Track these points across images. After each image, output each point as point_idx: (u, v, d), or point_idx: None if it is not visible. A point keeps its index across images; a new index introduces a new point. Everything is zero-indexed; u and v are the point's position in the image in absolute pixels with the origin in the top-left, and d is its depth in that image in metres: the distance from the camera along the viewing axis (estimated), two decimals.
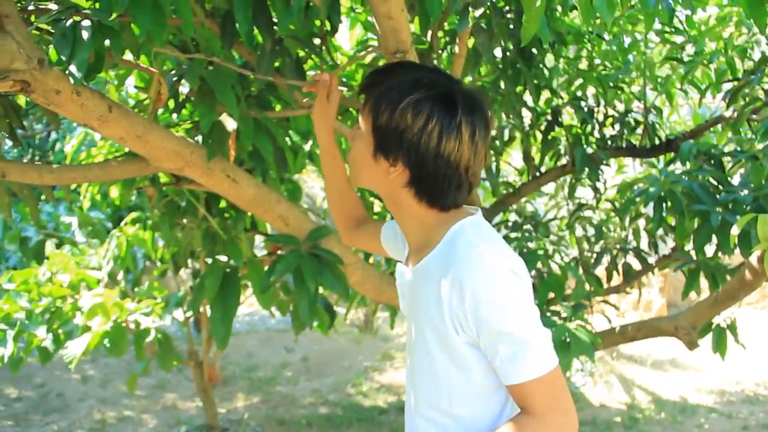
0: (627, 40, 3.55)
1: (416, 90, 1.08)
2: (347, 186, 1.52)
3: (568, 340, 2.37)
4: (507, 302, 1.02)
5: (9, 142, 2.07)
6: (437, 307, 1.08)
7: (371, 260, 3.23)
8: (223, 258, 2.36)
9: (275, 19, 1.88)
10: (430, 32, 2.46)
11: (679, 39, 3.46)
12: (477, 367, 1.09)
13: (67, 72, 1.49)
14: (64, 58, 1.46)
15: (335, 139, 1.52)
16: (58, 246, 3.77)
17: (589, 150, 3.17)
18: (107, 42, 1.53)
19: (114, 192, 2.91)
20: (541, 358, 1.03)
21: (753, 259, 2.26)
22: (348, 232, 1.58)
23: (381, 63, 2.75)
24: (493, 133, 3.52)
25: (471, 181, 1.13)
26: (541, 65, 2.94)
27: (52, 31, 1.61)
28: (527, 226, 3.52)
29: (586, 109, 3.43)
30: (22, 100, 2.36)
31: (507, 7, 2.51)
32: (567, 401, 1.05)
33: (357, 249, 3.62)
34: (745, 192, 2.50)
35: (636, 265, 3.52)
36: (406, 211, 1.17)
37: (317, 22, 2.18)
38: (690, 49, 3.49)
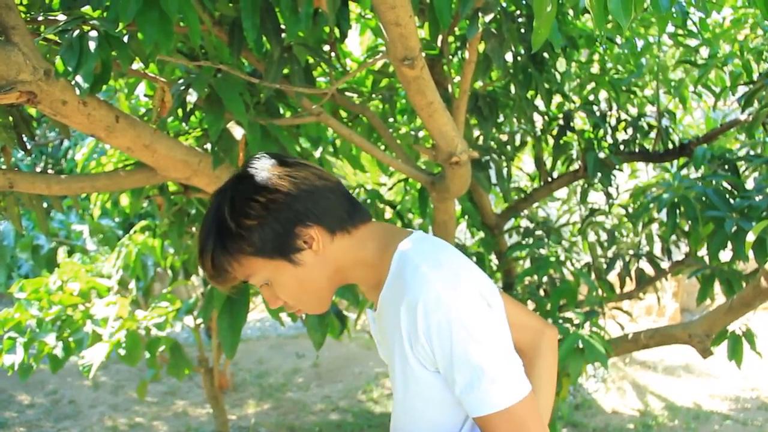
0: (640, 44, 3.52)
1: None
2: None
3: (581, 346, 2.34)
4: (458, 324, 0.93)
5: (21, 152, 2.07)
6: (398, 337, 0.99)
7: None
8: None
9: (283, 26, 1.87)
10: (440, 38, 2.44)
11: (692, 42, 3.42)
12: (440, 398, 1.01)
13: (73, 83, 1.49)
14: (70, 69, 1.45)
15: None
16: (70, 254, 3.78)
17: (602, 155, 3.13)
18: (114, 53, 1.53)
19: (124, 200, 2.91)
20: (504, 388, 0.93)
21: None
22: None
23: (390, 69, 2.74)
24: (505, 138, 3.50)
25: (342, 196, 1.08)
26: (552, 69, 2.91)
27: (60, 41, 1.61)
28: (539, 232, 3.49)
29: (598, 114, 3.39)
30: (33, 109, 2.36)
31: (518, 12, 2.49)
32: None
33: None
34: (760, 197, 2.45)
35: (649, 270, 3.48)
36: (344, 263, 1.09)
37: (326, 29, 2.16)
38: (704, 52, 3.45)
